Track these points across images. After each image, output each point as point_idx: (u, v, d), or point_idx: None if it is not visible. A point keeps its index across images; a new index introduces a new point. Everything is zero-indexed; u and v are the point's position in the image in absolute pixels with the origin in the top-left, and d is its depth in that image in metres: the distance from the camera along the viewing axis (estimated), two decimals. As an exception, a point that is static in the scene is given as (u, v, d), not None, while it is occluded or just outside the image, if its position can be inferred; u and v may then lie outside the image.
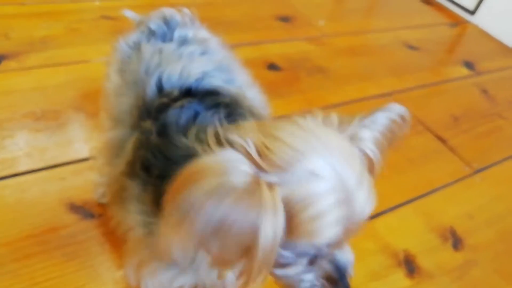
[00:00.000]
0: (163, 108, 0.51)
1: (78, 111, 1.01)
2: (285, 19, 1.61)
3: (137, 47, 0.64)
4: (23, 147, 0.90)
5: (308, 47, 1.49)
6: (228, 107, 0.50)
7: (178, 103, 0.51)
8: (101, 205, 0.82)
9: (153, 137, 0.50)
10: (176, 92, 0.54)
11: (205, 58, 0.62)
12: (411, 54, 1.63)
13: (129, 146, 0.54)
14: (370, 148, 0.45)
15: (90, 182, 0.84)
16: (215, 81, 0.57)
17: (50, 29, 1.27)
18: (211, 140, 0.39)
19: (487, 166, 1.17)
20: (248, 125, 0.40)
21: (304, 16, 1.66)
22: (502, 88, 1.56)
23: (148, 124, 0.51)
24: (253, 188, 0.34)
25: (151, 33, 0.64)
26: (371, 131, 0.45)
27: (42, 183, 0.84)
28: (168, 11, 0.66)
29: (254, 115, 0.53)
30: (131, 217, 0.54)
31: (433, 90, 1.46)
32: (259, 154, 0.36)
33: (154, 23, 0.64)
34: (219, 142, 0.38)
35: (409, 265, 0.86)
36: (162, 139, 0.48)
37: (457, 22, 1.98)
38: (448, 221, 0.98)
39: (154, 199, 0.48)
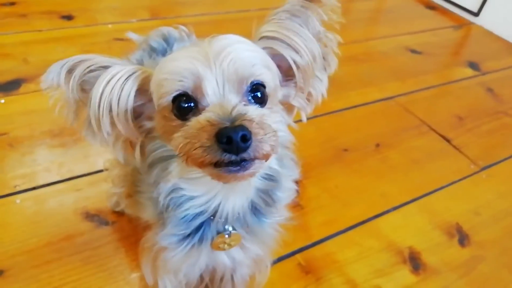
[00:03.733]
0: None
1: (92, 127, 1.07)
2: (289, 31, 1.66)
3: (140, 64, 0.69)
4: (42, 162, 0.96)
5: (311, 57, 1.53)
6: None
7: None
8: (115, 213, 0.87)
9: None
10: None
11: None
12: (415, 58, 1.65)
13: None
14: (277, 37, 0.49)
15: (104, 192, 0.89)
16: None
17: (65, 53, 1.34)
18: None
19: (493, 163, 1.17)
20: None
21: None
22: (508, 86, 1.56)
23: None
24: None
25: (152, 50, 0.69)
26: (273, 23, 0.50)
27: (60, 194, 0.89)
28: (166, 29, 0.71)
29: None
30: (144, 197, 0.59)
31: (437, 92, 1.47)
32: None
33: (154, 41, 0.69)
34: None
35: (414, 262, 0.87)
36: None
37: (461, 24, 2.00)
38: (454, 218, 0.99)
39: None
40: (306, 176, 1.03)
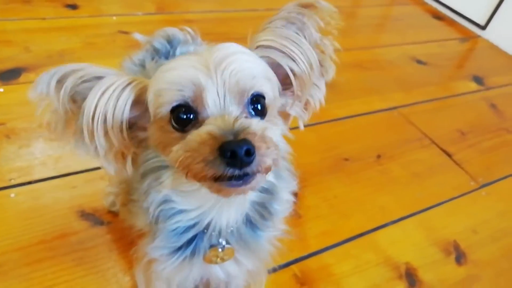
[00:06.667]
0: None
1: (91, 122, 1.06)
2: (295, 33, 1.64)
3: (142, 64, 0.67)
4: (38, 156, 0.94)
5: (316, 62, 1.51)
6: None
7: None
8: (111, 213, 0.85)
9: None
10: None
11: None
12: (420, 69, 1.64)
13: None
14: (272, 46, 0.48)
15: (101, 191, 0.87)
16: None
17: (68, 43, 1.32)
18: None
19: (493, 181, 1.17)
20: None
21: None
22: (511, 103, 1.55)
23: None
24: None
25: (155, 51, 0.67)
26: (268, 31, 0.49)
27: (55, 190, 0.88)
28: (171, 30, 0.69)
29: None
30: (137, 206, 0.58)
31: (440, 105, 1.46)
32: None
33: (158, 42, 0.68)
34: None
35: (410, 278, 0.87)
36: None
37: (467, 37, 1.99)
38: (451, 235, 0.98)
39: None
40: (306, 185, 1.02)
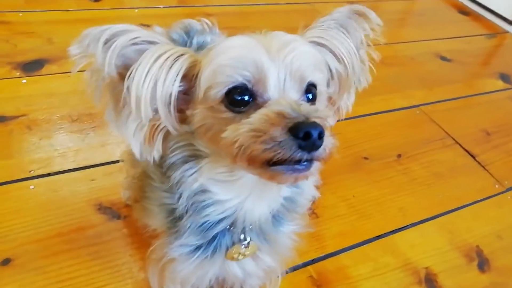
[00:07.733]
0: None
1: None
2: (316, 28, 1.61)
3: None
4: (58, 148, 0.95)
5: (337, 57, 1.48)
6: None
7: None
8: (128, 207, 0.85)
9: None
10: None
11: None
12: (444, 66, 1.60)
13: None
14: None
15: (119, 184, 0.87)
16: None
17: (90, 35, 1.32)
18: None
19: (519, 184, 1.13)
20: None
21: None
22: (540, 103, 1.49)
23: None
24: None
25: (173, 42, 0.66)
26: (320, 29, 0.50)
27: (74, 183, 0.88)
28: (188, 21, 0.69)
29: None
30: (153, 203, 0.56)
31: (464, 103, 1.42)
32: None
33: (175, 32, 0.67)
34: None
35: (430, 284, 0.84)
36: None
37: (495, 32, 1.92)
38: (474, 240, 0.95)
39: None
40: (324, 183, 0.99)
